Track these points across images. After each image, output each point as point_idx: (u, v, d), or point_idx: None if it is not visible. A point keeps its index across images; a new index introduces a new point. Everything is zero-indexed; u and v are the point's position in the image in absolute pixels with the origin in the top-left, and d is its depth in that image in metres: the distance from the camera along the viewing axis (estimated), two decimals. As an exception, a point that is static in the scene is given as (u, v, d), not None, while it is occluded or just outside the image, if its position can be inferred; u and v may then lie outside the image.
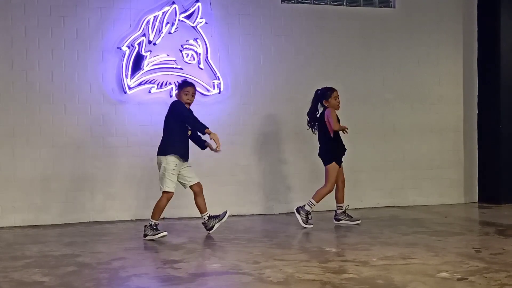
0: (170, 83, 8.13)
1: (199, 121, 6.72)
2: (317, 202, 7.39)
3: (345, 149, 7.55)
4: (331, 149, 7.40)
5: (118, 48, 7.99)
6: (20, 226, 7.65)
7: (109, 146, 8.04)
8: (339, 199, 7.59)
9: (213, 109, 8.34)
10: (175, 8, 8.14)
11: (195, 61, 8.24)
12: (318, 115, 7.49)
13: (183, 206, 8.29)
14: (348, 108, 8.94)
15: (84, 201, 7.96)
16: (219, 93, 8.33)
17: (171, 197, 6.74)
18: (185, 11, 8.22)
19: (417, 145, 9.30)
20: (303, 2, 8.89)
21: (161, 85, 8.11)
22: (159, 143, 8.07)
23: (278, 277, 4.93)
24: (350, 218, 7.58)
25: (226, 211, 7.02)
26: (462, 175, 9.52)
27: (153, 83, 8.08)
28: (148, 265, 5.54)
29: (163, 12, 8.11)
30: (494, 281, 4.76)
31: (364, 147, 9.04)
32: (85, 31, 7.95)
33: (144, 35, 8.03)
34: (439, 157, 9.40)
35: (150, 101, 8.12)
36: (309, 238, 6.78)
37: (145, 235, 6.67)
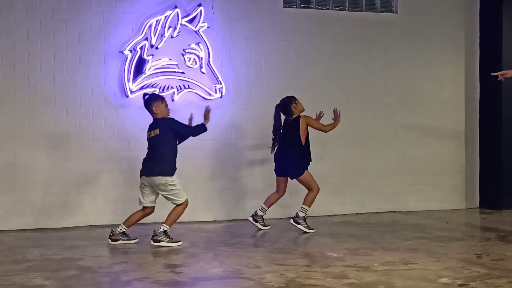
0: (172, 87, 8.15)
1: (196, 128, 6.73)
2: (309, 207, 7.39)
3: (311, 159, 7.49)
4: (302, 157, 7.32)
5: (120, 52, 8.00)
6: (21, 229, 7.65)
7: (110, 150, 8.05)
8: (270, 202, 7.52)
9: (215, 113, 8.30)
10: (177, 12, 8.16)
11: (197, 65, 8.25)
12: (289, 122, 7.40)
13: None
14: (349, 113, 8.96)
15: (86, 205, 7.96)
16: (221, 97, 8.34)
17: (188, 203, 6.65)
18: (187, 15, 8.23)
19: (418, 150, 9.30)
20: (305, 7, 8.90)
21: (163, 89, 8.12)
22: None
23: (279, 282, 4.92)
24: (263, 224, 7.52)
25: (137, 238, 6.75)
26: (464, 180, 9.52)
27: (155, 87, 8.09)
28: (149, 269, 5.54)
29: (166, 16, 8.13)
30: (495, 287, 4.76)
31: (365, 152, 9.04)
32: (87, 35, 7.96)
33: (146, 39, 8.05)
34: (440, 163, 9.40)
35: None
36: (310, 243, 6.77)
37: (158, 241, 6.49)
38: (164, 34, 8.11)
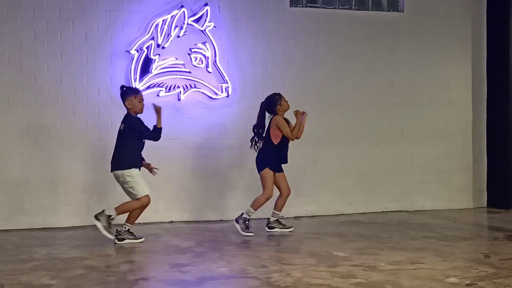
0: (178, 87, 8.15)
1: (154, 133, 6.65)
2: (255, 210, 7.19)
3: (286, 161, 7.32)
4: (269, 155, 7.19)
5: (126, 51, 8.01)
6: (28, 228, 7.66)
7: (117, 149, 8.05)
8: (279, 206, 7.33)
9: (221, 112, 8.36)
10: (183, 11, 8.16)
11: (204, 65, 8.25)
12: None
13: (190, 210, 8.31)
14: (356, 112, 8.95)
15: (92, 204, 7.96)
16: (227, 96, 8.33)
17: (149, 200, 6.59)
18: (194, 14, 8.23)
19: (425, 150, 9.27)
20: (311, 6, 8.88)
21: (170, 89, 8.13)
22: (167, 146, 8.11)
23: (286, 281, 4.91)
24: (283, 226, 7.38)
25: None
26: (471, 179, 9.49)
27: (162, 87, 8.10)
28: (155, 269, 5.54)
29: (172, 16, 8.13)
30: (504, 286, 4.73)
31: (372, 151, 9.02)
32: (94, 35, 7.97)
33: (152, 38, 8.05)
34: (448, 162, 9.36)
35: (158, 104, 8.10)
36: (317, 242, 6.76)
37: (122, 239, 6.53)
38: (170, 33, 8.12)
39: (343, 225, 7.94)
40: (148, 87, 8.04)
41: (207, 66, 8.26)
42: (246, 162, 8.51)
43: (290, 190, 7.34)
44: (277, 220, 7.39)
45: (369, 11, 9.11)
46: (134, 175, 6.53)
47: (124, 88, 6.74)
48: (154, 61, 8.04)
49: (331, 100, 8.89)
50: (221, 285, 5.01)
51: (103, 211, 6.61)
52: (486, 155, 9.54)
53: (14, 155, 7.74)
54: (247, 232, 7.10)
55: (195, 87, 8.23)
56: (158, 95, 8.08)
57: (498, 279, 4.95)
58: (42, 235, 7.29)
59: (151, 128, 6.68)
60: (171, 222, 8.21)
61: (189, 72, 8.21)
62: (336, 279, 4.98)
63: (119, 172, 6.55)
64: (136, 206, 6.58)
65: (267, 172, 7.18)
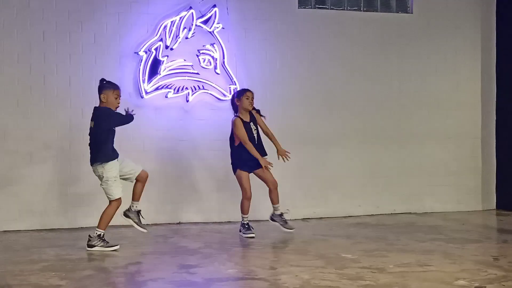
0: (186, 88, 8.16)
1: (125, 117, 6.50)
2: (246, 215, 7.15)
3: (264, 155, 7.19)
4: (238, 156, 7.14)
5: (135, 53, 8.03)
6: (37, 229, 7.69)
7: (125, 151, 7.99)
8: (274, 200, 7.29)
9: (229, 114, 8.29)
10: (192, 13, 8.17)
11: (212, 66, 8.26)
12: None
13: (198, 211, 8.32)
14: (364, 114, 8.94)
15: (101, 205, 7.95)
16: (236, 98, 8.33)
17: (120, 203, 6.50)
18: (202, 16, 8.24)
19: (434, 151, 9.24)
20: (320, 7, 8.88)
21: (178, 90, 8.14)
22: (175, 148, 8.12)
23: (294, 283, 4.91)
24: (284, 223, 7.31)
25: (146, 230, 6.71)
26: (480, 181, 9.44)
27: (170, 88, 8.11)
28: (164, 270, 5.54)
29: (180, 17, 8.14)
30: (513, 289, 4.72)
31: (381, 153, 9.00)
32: (102, 36, 8.00)
33: (161, 40, 8.07)
34: (457, 164, 9.33)
35: (167, 105, 8.16)
36: (325, 244, 6.75)
37: (91, 246, 6.32)
38: (179, 35, 8.13)
39: (352, 227, 7.93)
40: (157, 89, 8.06)
41: (215, 67, 8.27)
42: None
43: (276, 182, 7.23)
44: (281, 214, 7.34)
45: (378, 12, 9.09)
46: (112, 176, 6.36)
47: (104, 82, 6.51)
48: (163, 63, 8.05)
49: (339, 101, 8.87)
50: (229, 287, 5.02)
51: (130, 207, 6.58)
52: (495, 156, 9.49)
53: (23, 156, 7.77)
54: (249, 234, 7.11)
55: (203, 88, 8.24)
56: (166, 97, 8.10)
57: (507, 282, 4.92)
58: (51, 236, 7.32)
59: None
60: (179, 223, 8.22)
61: (198, 73, 8.22)
62: (344, 281, 4.97)
63: (99, 167, 6.38)
64: (112, 212, 6.44)
65: (240, 173, 7.14)
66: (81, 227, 7.83)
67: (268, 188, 7.26)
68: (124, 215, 6.64)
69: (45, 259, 5.94)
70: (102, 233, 6.41)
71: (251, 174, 7.24)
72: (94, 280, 5.09)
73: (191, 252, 6.27)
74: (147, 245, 6.70)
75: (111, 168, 6.40)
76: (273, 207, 7.38)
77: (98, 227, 6.42)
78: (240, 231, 7.21)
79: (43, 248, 6.50)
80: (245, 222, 7.19)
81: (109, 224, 6.49)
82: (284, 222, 7.35)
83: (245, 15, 8.49)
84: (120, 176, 6.51)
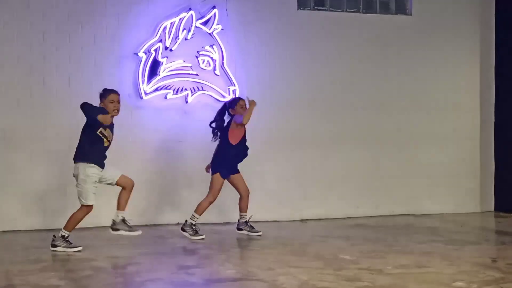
0: (186, 89, 8.18)
1: (92, 109, 6.24)
2: (199, 215, 7.10)
3: (244, 156, 7.24)
4: (224, 158, 7.11)
5: (135, 54, 8.04)
6: (36, 229, 7.70)
7: (124, 151, 8.07)
8: (242, 208, 7.26)
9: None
10: (191, 14, 8.19)
11: (211, 67, 8.28)
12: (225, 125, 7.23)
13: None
14: (364, 115, 8.95)
15: (100, 206, 7.96)
16: (235, 99, 8.34)
17: (91, 211, 6.41)
18: (202, 17, 8.26)
19: (432, 153, 9.25)
20: (319, 9, 8.90)
21: (177, 91, 8.16)
22: (174, 148, 8.13)
23: (292, 284, 4.92)
24: (251, 228, 7.28)
25: (140, 231, 6.58)
26: (478, 183, 9.46)
27: (169, 89, 8.13)
28: (163, 270, 5.55)
29: (180, 19, 8.16)
30: (511, 291, 4.73)
31: (379, 154, 9.01)
32: (102, 37, 8.01)
33: (160, 41, 8.08)
34: (455, 166, 9.34)
35: (166, 106, 8.17)
36: (324, 245, 6.76)
37: (55, 246, 6.28)
38: (178, 36, 8.14)
39: (350, 228, 7.94)
40: (156, 89, 8.07)
41: (214, 68, 8.28)
42: (252, 164, 8.51)
43: (248, 190, 7.24)
44: (246, 222, 7.29)
45: (377, 14, 9.11)
46: (88, 181, 6.24)
47: (102, 91, 6.47)
48: (162, 64, 8.07)
49: (338, 103, 8.88)
50: (228, 288, 5.03)
51: (113, 221, 6.46)
52: (493, 158, 9.51)
53: (23, 156, 7.78)
54: (198, 236, 7.02)
55: (202, 89, 8.26)
56: (165, 97, 8.12)
57: (505, 283, 4.94)
58: (51, 236, 7.30)
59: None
60: (178, 224, 8.23)
61: (197, 74, 8.24)
62: (343, 282, 4.99)
63: (76, 168, 6.29)
64: (80, 217, 6.37)
65: (217, 177, 7.09)
66: (81, 227, 7.83)
67: (239, 195, 7.21)
68: (112, 230, 6.49)
69: (44, 259, 5.95)
70: (67, 235, 6.33)
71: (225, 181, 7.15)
72: (93, 280, 5.10)
73: (189, 253, 6.28)
74: (146, 245, 6.71)
75: (85, 171, 6.21)
76: (240, 215, 7.31)
77: (64, 228, 6.36)
78: (185, 231, 7.02)
79: (42, 248, 6.50)
80: (195, 222, 7.07)
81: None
82: (251, 228, 7.30)
83: (245, 16, 8.50)
84: (99, 179, 6.35)
